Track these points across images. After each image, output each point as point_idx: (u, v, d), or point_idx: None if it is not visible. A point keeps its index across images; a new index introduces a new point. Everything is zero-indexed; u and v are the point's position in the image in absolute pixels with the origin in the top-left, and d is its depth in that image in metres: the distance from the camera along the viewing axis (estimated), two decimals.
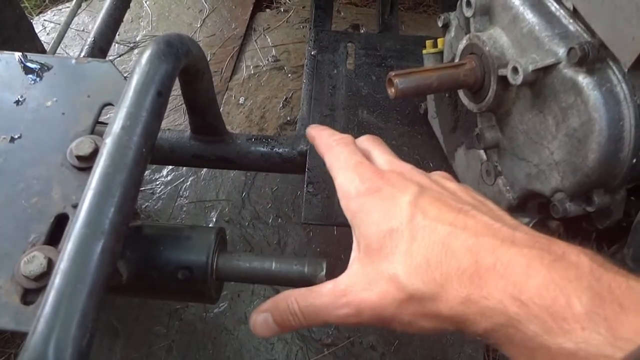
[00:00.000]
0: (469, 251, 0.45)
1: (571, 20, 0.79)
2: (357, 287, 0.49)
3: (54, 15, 2.48)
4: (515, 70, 0.79)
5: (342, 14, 2.45)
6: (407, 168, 0.59)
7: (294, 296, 0.55)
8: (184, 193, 1.80)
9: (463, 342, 1.53)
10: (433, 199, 0.51)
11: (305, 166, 1.14)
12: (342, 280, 0.51)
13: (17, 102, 0.79)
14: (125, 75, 0.84)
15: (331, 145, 0.62)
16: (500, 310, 0.43)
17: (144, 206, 1.73)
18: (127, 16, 1.58)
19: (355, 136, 1.22)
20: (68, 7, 2.51)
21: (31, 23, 1.24)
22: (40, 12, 2.50)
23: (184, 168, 1.86)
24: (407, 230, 0.48)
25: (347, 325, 0.55)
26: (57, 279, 0.55)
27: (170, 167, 1.87)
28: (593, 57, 0.72)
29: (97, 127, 0.79)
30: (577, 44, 0.72)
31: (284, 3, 2.53)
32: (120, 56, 2.26)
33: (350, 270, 0.52)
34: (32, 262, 0.62)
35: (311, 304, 0.52)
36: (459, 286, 0.44)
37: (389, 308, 0.47)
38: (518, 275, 0.43)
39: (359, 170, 0.56)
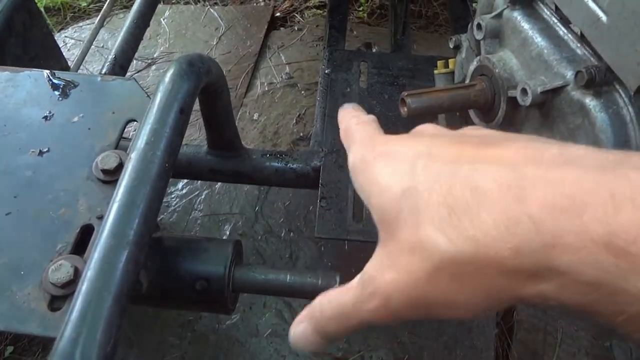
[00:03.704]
0: (506, 187, 0.32)
1: (579, 45, 0.81)
2: (381, 270, 0.39)
3: (74, 32, 2.55)
4: (524, 91, 0.82)
5: (354, 32, 2.49)
6: (427, 126, 0.46)
7: (326, 297, 0.44)
8: (199, 206, 1.84)
9: (473, 359, 1.53)
10: (449, 143, 0.39)
11: (319, 181, 1.17)
12: (367, 267, 0.41)
13: (46, 118, 0.83)
14: (146, 91, 0.88)
15: (349, 126, 0.50)
16: (585, 263, 0.29)
17: (159, 218, 1.76)
18: (146, 33, 1.62)
19: None
20: (88, 23, 2.58)
21: (56, 41, 1.29)
22: (62, 29, 2.57)
23: (199, 182, 1.90)
24: (422, 183, 0.37)
25: (382, 322, 0.40)
26: (84, 286, 0.58)
27: (186, 180, 1.90)
28: (600, 80, 0.74)
29: (121, 142, 0.82)
30: (585, 68, 0.74)
31: (298, 22, 2.58)
32: (138, 72, 2.31)
33: (374, 255, 0.41)
34: (60, 270, 0.65)
35: (340, 303, 0.42)
36: (503, 235, 0.32)
37: (418, 285, 0.36)
38: (598, 210, 0.29)
39: (370, 141, 0.45)
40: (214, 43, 2.45)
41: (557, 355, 1.56)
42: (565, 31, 0.84)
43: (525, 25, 0.87)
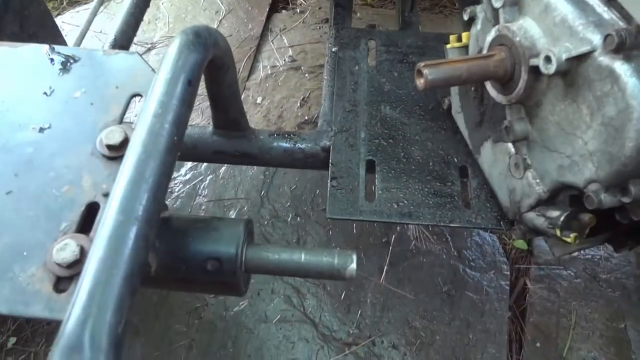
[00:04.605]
0: None
1: (605, 8, 0.77)
2: None
3: (71, 18, 2.50)
4: (548, 59, 0.78)
5: (358, 14, 2.45)
6: None
7: None
8: (203, 192, 1.80)
9: (486, 342, 1.51)
10: None
11: (329, 161, 1.13)
12: None
13: (46, 93, 0.79)
14: (150, 66, 0.84)
15: None
16: None
17: None
18: (144, 18, 1.58)
19: (379, 131, 1.21)
20: (85, 9, 2.53)
21: (54, 20, 1.25)
22: (58, 14, 2.52)
23: (203, 167, 1.86)
24: None
25: None
26: (91, 266, 0.55)
27: (189, 166, 1.87)
28: (630, 43, 0.70)
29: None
30: (614, 31, 0.70)
31: (300, 4, 2.53)
32: None
33: None
34: (65, 249, 0.61)
35: None
36: None
37: None
38: None
39: None
40: (215, 26, 2.40)
41: (572, 338, 1.53)
42: None
43: None
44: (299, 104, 2.05)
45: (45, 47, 0.84)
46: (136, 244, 0.56)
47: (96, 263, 0.55)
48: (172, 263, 0.74)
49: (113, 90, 0.79)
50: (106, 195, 0.67)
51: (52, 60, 0.83)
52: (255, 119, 2.01)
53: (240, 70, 2.17)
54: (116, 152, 0.71)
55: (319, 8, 2.47)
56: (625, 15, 0.74)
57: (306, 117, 1.99)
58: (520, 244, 1.69)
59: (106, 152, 0.71)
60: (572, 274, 1.65)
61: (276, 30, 2.38)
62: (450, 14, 2.51)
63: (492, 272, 1.64)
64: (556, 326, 1.55)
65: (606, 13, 0.77)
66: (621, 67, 0.71)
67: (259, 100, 2.08)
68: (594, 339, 1.54)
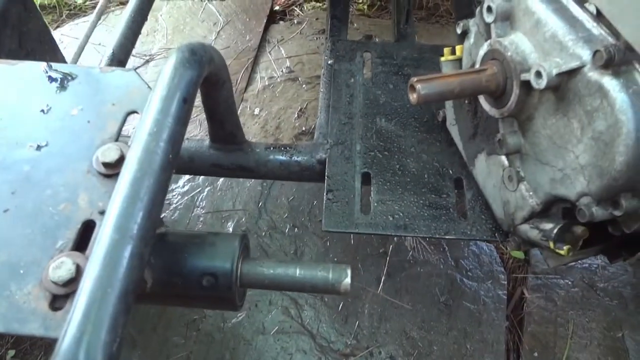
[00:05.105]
0: None
1: (594, 24, 0.78)
2: None
3: (70, 30, 2.52)
4: (538, 74, 0.79)
5: (355, 25, 2.46)
6: None
7: None
8: (201, 203, 1.81)
9: (484, 352, 1.51)
10: None
11: (325, 174, 1.14)
12: None
13: (43, 111, 0.80)
14: (147, 83, 0.85)
15: None
16: None
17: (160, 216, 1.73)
18: (143, 29, 1.59)
19: (375, 144, 1.22)
20: (85, 21, 2.55)
21: (53, 36, 1.26)
22: (58, 27, 2.54)
23: (201, 178, 1.87)
24: None
25: None
26: (86, 284, 0.55)
27: (187, 177, 1.88)
28: (619, 59, 0.71)
29: (121, 138, 0.79)
30: (603, 47, 0.71)
31: (298, 15, 2.55)
32: (136, 69, 2.28)
33: None
34: (61, 268, 0.62)
35: None
36: None
37: None
38: None
39: None
40: (213, 38, 2.41)
41: (569, 347, 1.53)
42: (580, 10, 0.81)
43: (538, 6, 0.84)
44: (296, 115, 2.06)
45: (42, 65, 0.85)
46: (131, 262, 0.57)
47: (92, 282, 0.55)
48: (168, 279, 0.75)
49: (109, 107, 0.80)
50: (102, 213, 0.68)
51: (49, 77, 0.84)
52: (252, 130, 2.02)
53: (238, 81, 2.18)
54: (112, 169, 0.72)
55: (316, 19, 2.49)
56: (614, 32, 0.75)
57: (304, 128, 2.01)
58: (518, 253, 1.69)
59: (102, 169, 0.72)
60: (569, 283, 1.65)
61: (274, 42, 2.40)
62: (447, 24, 2.53)
63: (489, 282, 1.64)
64: (554, 335, 1.56)
65: (595, 29, 0.78)
66: (610, 83, 0.72)
67: (256, 111, 2.09)
68: (591, 348, 1.54)
